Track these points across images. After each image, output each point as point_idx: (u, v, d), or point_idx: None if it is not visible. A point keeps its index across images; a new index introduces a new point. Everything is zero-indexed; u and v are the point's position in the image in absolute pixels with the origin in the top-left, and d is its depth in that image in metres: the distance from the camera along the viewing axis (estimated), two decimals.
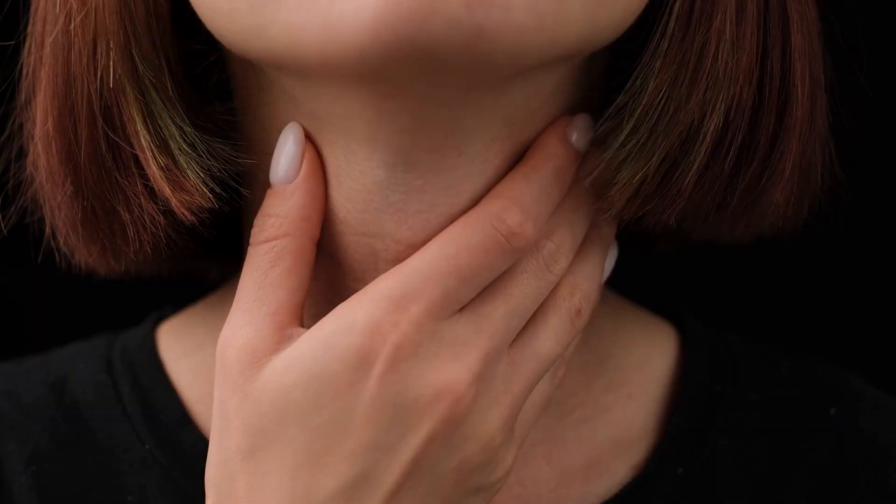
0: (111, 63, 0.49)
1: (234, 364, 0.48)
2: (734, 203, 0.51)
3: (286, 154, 0.50)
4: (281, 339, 0.48)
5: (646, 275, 0.59)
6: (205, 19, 0.48)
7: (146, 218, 0.50)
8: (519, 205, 0.48)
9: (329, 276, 0.51)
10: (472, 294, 0.48)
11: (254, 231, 0.50)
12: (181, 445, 0.55)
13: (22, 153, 0.56)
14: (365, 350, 0.47)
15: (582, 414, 0.56)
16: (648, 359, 0.58)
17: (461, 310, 0.48)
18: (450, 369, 0.47)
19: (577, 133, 0.50)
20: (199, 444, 0.55)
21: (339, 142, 0.49)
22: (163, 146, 0.50)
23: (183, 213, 0.50)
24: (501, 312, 0.49)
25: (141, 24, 0.49)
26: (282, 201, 0.50)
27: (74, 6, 0.49)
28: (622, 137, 0.49)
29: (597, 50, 0.47)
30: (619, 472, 0.56)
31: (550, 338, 0.50)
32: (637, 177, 0.49)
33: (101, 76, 0.49)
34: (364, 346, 0.47)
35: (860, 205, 0.58)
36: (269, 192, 0.50)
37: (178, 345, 0.59)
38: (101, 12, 0.49)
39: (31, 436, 0.56)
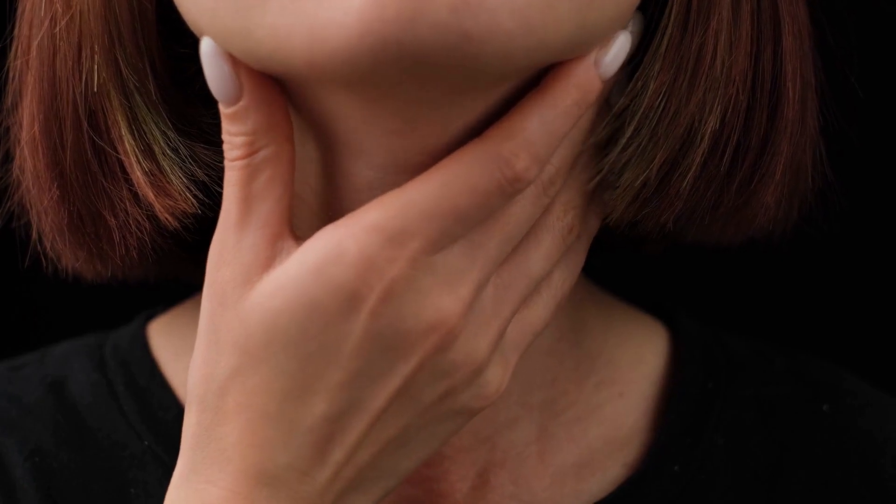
0: (95, 67, 0.49)
1: (229, 282, 0.47)
2: (725, 205, 0.51)
3: (212, 73, 0.47)
4: (273, 254, 0.47)
5: (637, 273, 0.59)
6: (190, 22, 0.47)
7: (132, 223, 0.50)
8: (529, 149, 0.46)
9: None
10: (467, 231, 0.47)
11: (225, 149, 0.48)
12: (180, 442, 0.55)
13: (8, 157, 0.56)
14: (357, 284, 0.45)
15: (574, 413, 0.56)
16: (640, 356, 0.58)
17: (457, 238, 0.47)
18: (442, 301, 0.46)
19: (613, 54, 0.47)
20: None
21: (327, 143, 0.49)
22: (147, 151, 0.50)
23: (167, 219, 0.49)
24: (497, 241, 0.47)
25: (126, 27, 0.49)
26: (241, 120, 0.47)
27: (59, 9, 0.49)
28: (624, 141, 0.49)
29: (586, 51, 0.47)
30: (612, 470, 0.56)
31: (542, 257, 0.49)
32: (639, 180, 0.49)
33: (86, 80, 0.49)
34: (356, 280, 0.45)
35: (851, 206, 0.58)
36: (222, 113, 0.48)
37: (170, 345, 0.59)
38: (86, 16, 0.49)
39: (32, 433, 0.56)
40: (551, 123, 0.47)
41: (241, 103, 0.47)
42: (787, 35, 0.50)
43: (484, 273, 0.47)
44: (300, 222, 0.50)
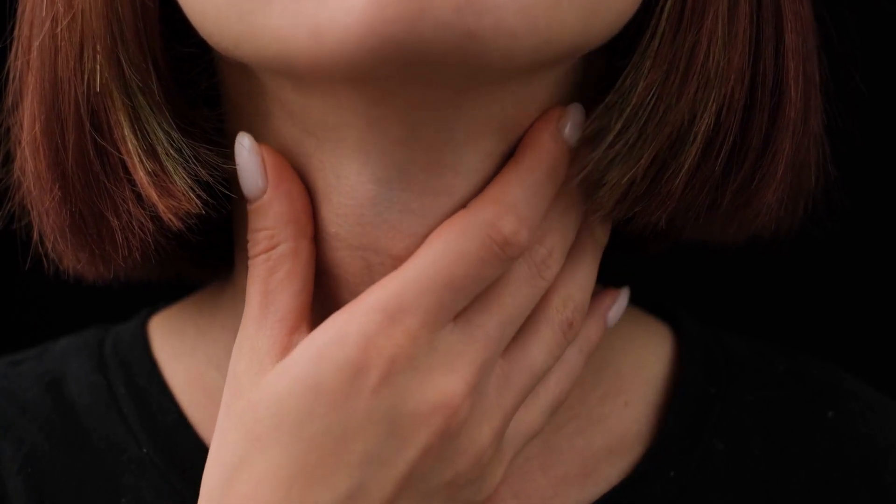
0: (98, 67, 0.49)
1: (245, 372, 0.48)
2: (726, 204, 0.51)
3: (246, 168, 0.50)
4: (289, 345, 0.48)
5: (639, 273, 0.59)
6: (195, 23, 0.47)
7: (134, 224, 0.50)
8: (514, 211, 0.48)
9: (323, 291, 0.51)
10: (465, 303, 0.48)
11: (248, 246, 0.50)
12: (179, 449, 0.55)
13: (9, 158, 0.55)
14: (359, 363, 0.46)
15: (577, 425, 0.56)
16: (644, 361, 0.58)
17: (454, 319, 0.48)
18: (445, 381, 0.47)
19: (570, 126, 0.49)
20: (196, 448, 0.55)
21: (330, 156, 0.49)
22: (150, 151, 0.49)
23: (170, 219, 0.49)
24: (495, 322, 0.48)
25: (128, 27, 0.49)
26: (263, 214, 0.50)
27: (61, 9, 0.49)
28: (611, 137, 0.48)
29: (591, 50, 0.47)
30: (613, 476, 0.55)
31: (543, 351, 0.50)
32: (626, 178, 0.48)
33: (88, 80, 0.49)
34: (358, 358, 0.46)
35: (855, 205, 0.58)
36: (248, 209, 0.50)
37: (170, 345, 0.58)
38: (88, 15, 0.48)
39: (27, 436, 0.56)
40: (532, 187, 0.48)
41: (265, 197, 0.49)
42: (789, 32, 0.50)
43: (485, 355, 0.48)
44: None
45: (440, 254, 0.47)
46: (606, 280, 0.55)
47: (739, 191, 0.50)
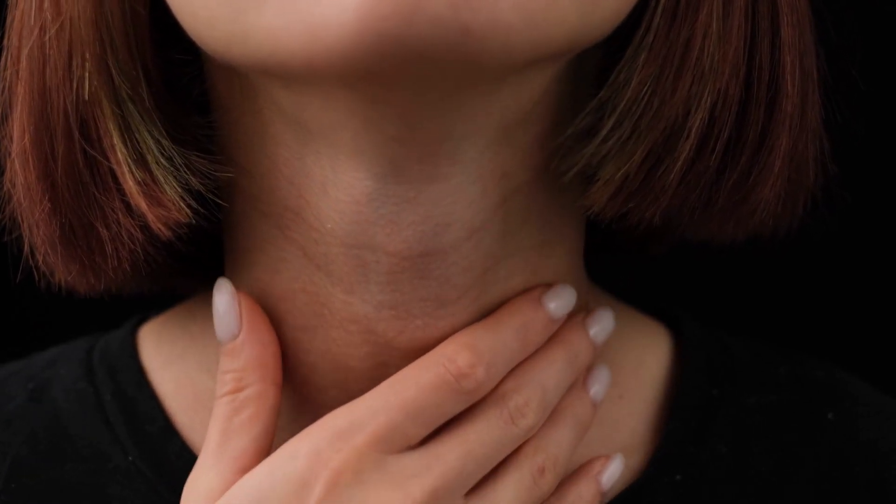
0: (87, 75, 0.48)
1: None
2: (722, 201, 0.50)
3: (222, 312, 0.52)
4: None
5: (640, 276, 0.58)
6: (186, 27, 0.47)
7: (124, 234, 0.50)
8: (471, 349, 0.49)
9: (317, 287, 0.51)
10: (421, 431, 0.49)
11: (217, 386, 0.52)
12: (167, 457, 0.54)
13: (0, 171, 0.55)
14: (305, 475, 0.47)
15: None
16: (643, 361, 0.58)
17: (416, 447, 0.49)
18: (391, 497, 0.47)
19: (556, 302, 0.52)
20: (184, 456, 0.54)
21: (326, 153, 0.48)
22: (140, 160, 0.49)
23: (159, 229, 0.49)
24: (455, 455, 0.49)
25: (118, 33, 0.48)
26: (234, 357, 0.51)
27: (49, 17, 0.49)
28: (604, 132, 0.48)
29: (589, 46, 0.46)
30: (617, 481, 0.54)
31: (510, 492, 0.50)
32: (620, 173, 0.48)
33: (77, 89, 0.48)
34: (305, 470, 0.48)
35: (856, 202, 0.58)
36: (221, 350, 0.52)
37: (159, 353, 0.58)
38: (77, 22, 0.48)
39: (10, 448, 0.55)
40: (497, 333, 0.50)
41: (238, 340, 0.51)
42: (785, 27, 0.49)
43: (441, 483, 0.48)
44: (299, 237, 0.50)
45: (397, 380, 0.49)
46: (606, 281, 0.55)
47: (736, 187, 0.50)
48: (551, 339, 0.52)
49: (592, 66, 0.50)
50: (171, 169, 0.49)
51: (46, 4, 0.49)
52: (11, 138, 0.52)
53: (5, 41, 0.53)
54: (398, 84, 0.43)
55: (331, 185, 0.48)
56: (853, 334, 0.80)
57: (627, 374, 0.57)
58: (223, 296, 0.52)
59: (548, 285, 0.52)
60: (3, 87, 0.53)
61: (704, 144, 0.48)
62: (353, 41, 0.41)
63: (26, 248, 0.54)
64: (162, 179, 0.49)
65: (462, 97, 0.45)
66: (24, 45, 0.50)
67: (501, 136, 0.48)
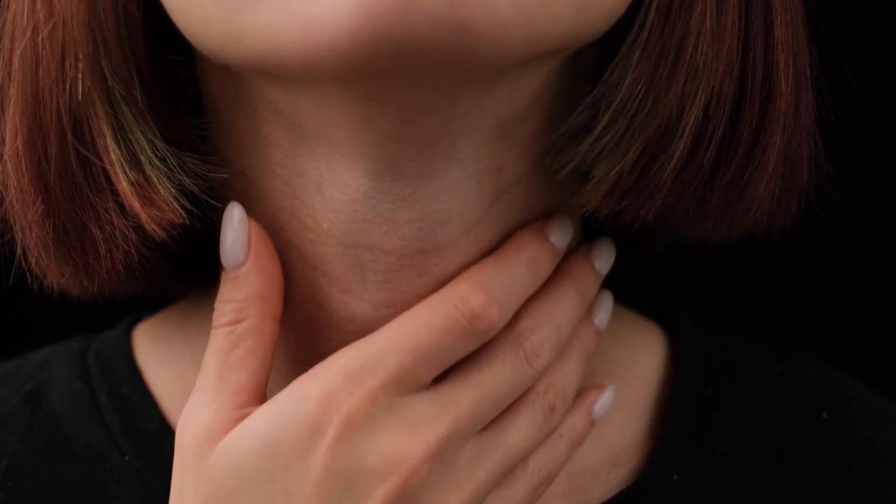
0: (80, 75, 0.48)
1: (190, 444, 0.48)
2: (716, 199, 0.50)
3: (232, 237, 0.50)
4: (240, 418, 0.48)
5: (636, 275, 0.58)
6: (181, 27, 0.47)
7: (118, 235, 0.50)
8: (484, 288, 0.48)
9: (313, 288, 0.50)
10: (432, 373, 0.48)
11: (214, 315, 0.50)
12: (163, 456, 0.54)
13: None
14: (317, 419, 0.47)
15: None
16: (637, 360, 0.58)
17: (429, 388, 0.48)
18: (404, 442, 0.47)
19: (556, 234, 0.51)
20: None
21: (321, 153, 0.48)
22: (133, 161, 0.49)
23: (153, 230, 0.49)
24: (470, 398, 0.48)
25: (111, 34, 0.48)
26: (237, 286, 0.50)
27: (42, 18, 0.48)
28: (598, 130, 0.48)
29: (586, 43, 0.46)
30: (612, 477, 0.55)
31: (521, 430, 0.50)
32: (614, 171, 0.48)
33: (70, 90, 0.48)
34: (316, 415, 0.47)
35: (851, 201, 0.58)
36: (223, 277, 0.51)
37: (154, 352, 0.58)
38: (70, 23, 0.48)
39: (7, 448, 0.55)
40: (507, 269, 0.49)
41: (243, 269, 0.50)
42: (779, 25, 0.50)
43: (455, 427, 0.48)
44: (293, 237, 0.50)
45: (407, 321, 0.48)
46: (604, 281, 0.55)
47: (730, 185, 0.50)
48: (560, 275, 0.52)
49: (589, 63, 0.50)
50: (165, 170, 0.49)
51: (39, 5, 0.49)
52: (4, 140, 0.52)
53: None
54: (395, 81, 0.43)
55: (326, 184, 0.48)
56: (847, 333, 0.80)
57: (623, 373, 0.57)
58: (232, 220, 0.50)
59: (546, 217, 0.51)
60: None
61: (698, 142, 0.48)
62: (350, 39, 0.41)
63: (19, 250, 0.54)
64: (156, 180, 0.49)
65: (459, 94, 0.45)
66: (16, 46, 0.50)
67: (498, 132, 0.48)
